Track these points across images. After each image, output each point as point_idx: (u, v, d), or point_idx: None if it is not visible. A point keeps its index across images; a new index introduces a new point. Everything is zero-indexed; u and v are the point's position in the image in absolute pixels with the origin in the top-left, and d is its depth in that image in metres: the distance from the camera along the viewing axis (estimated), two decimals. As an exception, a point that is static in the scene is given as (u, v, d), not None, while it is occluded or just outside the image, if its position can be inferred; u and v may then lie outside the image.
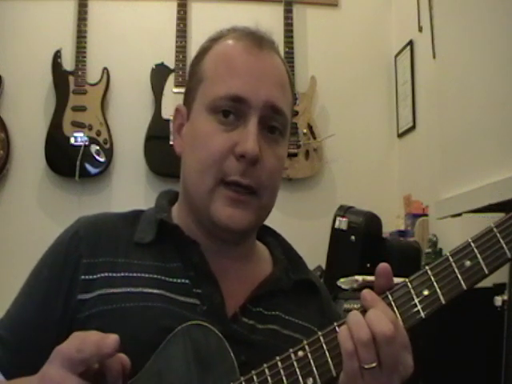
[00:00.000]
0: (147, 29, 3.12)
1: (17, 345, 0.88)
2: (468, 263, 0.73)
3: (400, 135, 3.16)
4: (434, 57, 2.51)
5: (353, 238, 2.46)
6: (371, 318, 0.71)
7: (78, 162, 2.89)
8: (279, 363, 0.75)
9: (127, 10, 3.14)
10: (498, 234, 0.73)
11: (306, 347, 0.75)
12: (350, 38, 3.26)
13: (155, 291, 0.87)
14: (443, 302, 0.73)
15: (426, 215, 2.66)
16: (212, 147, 0.87)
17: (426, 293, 0.74)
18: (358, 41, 3.27)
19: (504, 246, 0.73)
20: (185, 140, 0.94)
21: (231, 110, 0.88)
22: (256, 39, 0.92)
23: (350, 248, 2.46)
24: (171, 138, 1.00)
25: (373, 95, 3.26)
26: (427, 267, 0.75)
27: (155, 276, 0.89)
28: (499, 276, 1.58)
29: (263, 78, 0.89)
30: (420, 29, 2.86)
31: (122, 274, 0.88)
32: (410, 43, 3.00)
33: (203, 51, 0.95)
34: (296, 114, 3.04)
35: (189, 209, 0.94)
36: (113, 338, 0.70)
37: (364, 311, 0.73)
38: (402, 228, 2.79)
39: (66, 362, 0.69)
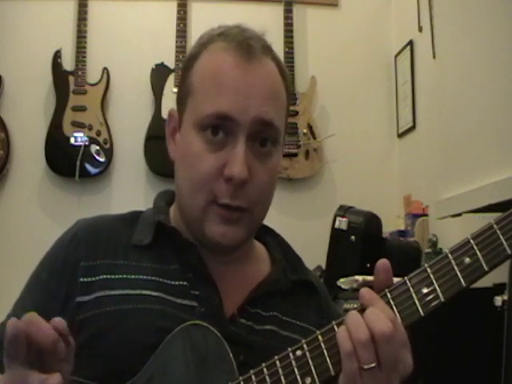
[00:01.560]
0: (147, 29, 3.12)
1: None
2: (467, 260, 0.72)
3: (400, 135, 3.16)
4: (434, 57, 2.51)
5: (353, 238, 2.46)
6: (369, 317, 0.71)
7: (78, 162, 2.89)
8: (277, 362, 0.74)
9: (127, 10, 3.14)
10: (498, 231, 0.72)
11: (305, 346, 0.74)
12: (350, 38, 3.26)
13: (153, 293, 0.87)
14: (442, 299, 0.72)
15: (426, 215, 2.66)
16: (201, 169, 0.86)
17: (425, 291, 0.73)
18: (358, 41, 3.27)
19: (504, 242, 0.72)
20: (177, 150, 0.94)
21: (219, 127, 0.86)
22: (244, 49, 0.88)
23: (350, 248, 2.46)
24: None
25: (373, 95, 3.25)
26: (426, 265, 0.74)
27: (153, 278, 0.89)
28: (499, 276, 1.58)
29: (251, 94, 0.86)
30: (420, 29, 2.86)
31: (120, 276, 0.88)
32: (410, 43, 3.00)
33: (193, 57, 0.93)
34: (296, 113, 3.04)
35: (179, 209, 0.95)
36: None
37: (362, 310, 0.72)
38: (402, 228, 2.78)
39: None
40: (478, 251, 0.72)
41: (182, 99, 0.93)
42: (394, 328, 0.70)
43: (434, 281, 0.73)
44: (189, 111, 0.90)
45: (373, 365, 0.69)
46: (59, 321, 0.71)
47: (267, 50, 0.92)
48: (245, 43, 0.89)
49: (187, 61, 0.94)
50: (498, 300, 1.61)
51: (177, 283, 0.89)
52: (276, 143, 0.90)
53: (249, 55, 0.88)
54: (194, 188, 0.88)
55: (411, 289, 0.73)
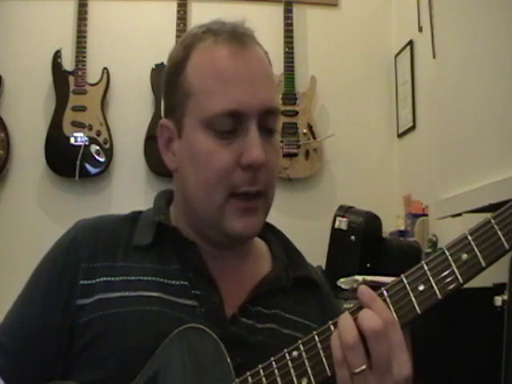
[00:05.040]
0: (147, 29, 3.12)
1: (17, 351, 0.88)
2: (465, 256, 0.71)
3: (400, 135, 3.16)
4: (434, 57, 2.51)
5: (353, 238, 2.46)
6: (361, 317, 0.70)
7: (77, 162, 2.89)
8: (274, 363, 0.74)
9: (127, 10, 3.14)
10: (496, 226, 0.71)
11: (301, 346, 0.73)
12: (350, 37, 3.26)
13: (154, 294, 0.87)
14: (439, 297, 0.71)
15: (426, 215, 2.66)
16: (216, 165, 0.85)
17: (421, 288, 0.71)
18: (358, 41, 3.27)
19: (502, 237, 0.70)
20: (180, 157, 0.91)
21: (231, 125, 0.86)
22: (237, 38, 0.88)
23: (350, 248, 2.46)
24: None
25: (373, 95, 3.25)
26: (423, 261, 0.73)
27: (154, 279, 0.88)
28: (499, 276, 1.58)
29: (254, 81, 0.87)
30: (420, 29, 2.86)
31: (121, 278, 0.88)
32: (410, 43, 3.00)
33: (181, 61, 0.91)
34: (296, 113, 3.04)
35: (185, 213, 0.94)
36: None
37: (360, 308, 0.72)
38: (402, 228, 2.78)
39: None
40: (475, 247, 0.71)
41: (178, 105, 0.90)
42: (385, 326, 0.69)
43: (431, 278, 0.72)
44: (191, 113, 0.88)
45: (363, 367, 0.68)
46: None
47: (253, 37, 0.93)
48: (234, 33, 0.90)
49: (175, 66, 0.92)
50: (498, 300, 1.61)
51: (178, 283, 0.88)
52: (276, 124, 0.91)
53: (242, 44, 0.89)
54: (210, 187, 0.86)
55: (407, 286, 0.72)
